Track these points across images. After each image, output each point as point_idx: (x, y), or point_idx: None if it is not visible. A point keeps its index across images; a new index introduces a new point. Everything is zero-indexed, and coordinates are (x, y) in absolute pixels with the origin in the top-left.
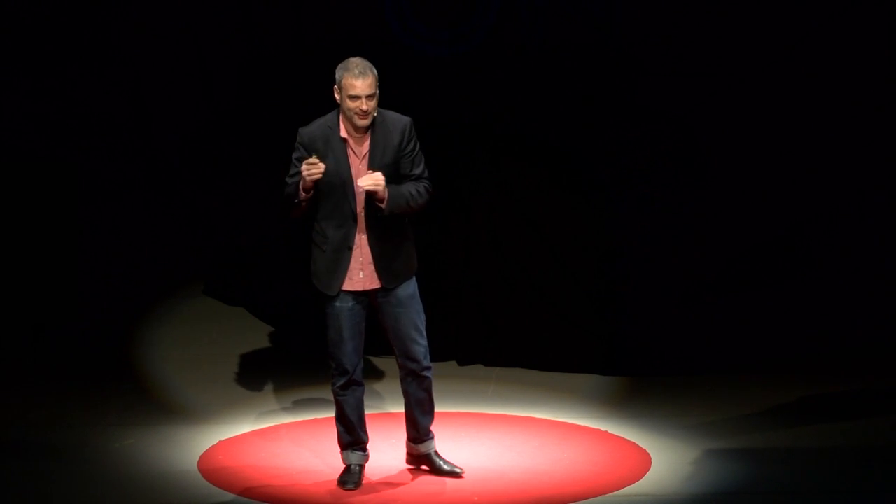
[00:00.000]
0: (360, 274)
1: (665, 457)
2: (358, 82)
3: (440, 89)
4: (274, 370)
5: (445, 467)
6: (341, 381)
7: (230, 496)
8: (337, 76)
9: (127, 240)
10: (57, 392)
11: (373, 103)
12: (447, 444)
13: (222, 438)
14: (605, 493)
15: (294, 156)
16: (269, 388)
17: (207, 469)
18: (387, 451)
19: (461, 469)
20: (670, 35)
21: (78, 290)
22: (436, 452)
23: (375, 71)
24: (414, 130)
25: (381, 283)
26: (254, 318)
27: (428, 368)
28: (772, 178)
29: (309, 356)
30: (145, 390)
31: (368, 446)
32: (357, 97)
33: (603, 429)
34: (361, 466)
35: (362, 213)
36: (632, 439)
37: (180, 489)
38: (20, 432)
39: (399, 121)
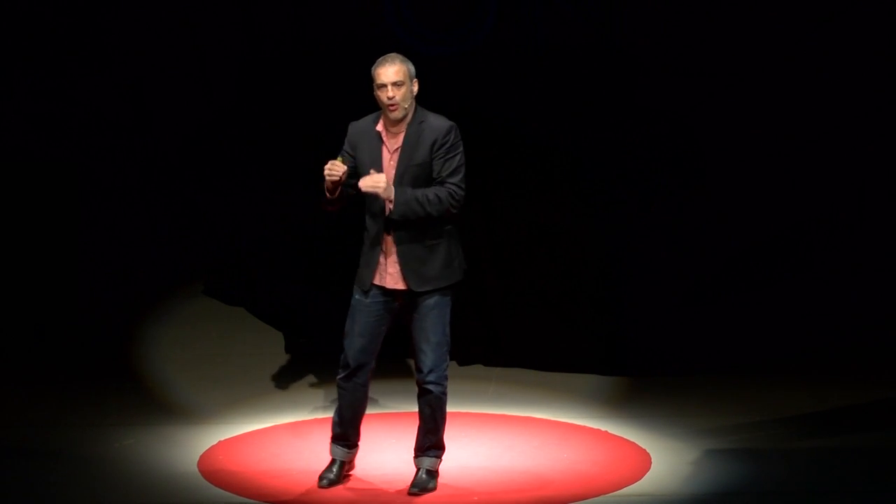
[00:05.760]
0: (390, 270)
1: (665, 457)
2: (380, 69)
3: (440, 89)
4: (274, 370)
5: (415, 484)
6: (342, 374)
7: (230, 496)
8: (372, 73)
9: (127, 240)
10: (57, 392)
11: (400, 92)
12: (448, 444)
13: (222, 438)
14: (605, 493)
15: (343, 148)
16: (269, 388)
17: (207, 469)
18: (388, 451)
19: (420, 492)
20: (670, 35)
21: (78, 290)
22: (428, 471)
23: (410, 65)
24: (455, 135)
25: (408, 286)
26: (254, 318)
27: (431, 383)
28: (771, 178)
29: (309, 356)
30: (145, 390)
31: (357, 448)
32: (382, 85)
33: (603, 429)
34: (344, 463)
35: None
36: (632, 439)
37: (180, 489)
38: (20, 432)
39: (440, 123)
